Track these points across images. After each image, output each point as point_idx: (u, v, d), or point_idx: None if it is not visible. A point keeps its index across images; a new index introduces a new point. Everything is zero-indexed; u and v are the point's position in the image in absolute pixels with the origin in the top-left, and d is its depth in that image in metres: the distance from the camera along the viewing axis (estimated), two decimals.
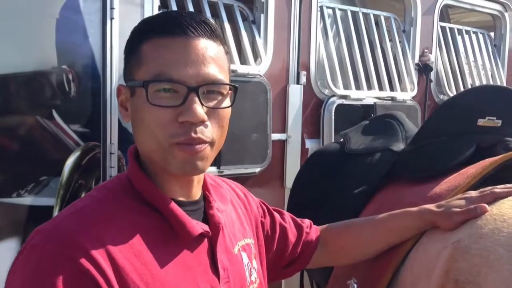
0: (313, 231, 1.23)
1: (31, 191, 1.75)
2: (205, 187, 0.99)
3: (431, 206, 1.12)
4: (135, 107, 0.88)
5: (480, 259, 0.94)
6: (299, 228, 1.21)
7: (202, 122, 0.85)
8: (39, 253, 0.75)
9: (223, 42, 0.92)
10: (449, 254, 1.00)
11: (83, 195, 1.85)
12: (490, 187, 1.09)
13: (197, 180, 0.95)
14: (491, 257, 0.92)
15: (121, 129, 1.90)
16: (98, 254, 0.76)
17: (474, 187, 1.17)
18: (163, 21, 0.87)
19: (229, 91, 0.90)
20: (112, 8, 1.85)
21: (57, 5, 1.77)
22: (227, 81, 0.89)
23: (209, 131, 0.87)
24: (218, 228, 0.93)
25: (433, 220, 1.09)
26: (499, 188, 1.07)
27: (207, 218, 0.94)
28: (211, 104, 0.87)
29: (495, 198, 1.05)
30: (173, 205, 0.88)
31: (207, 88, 0.86)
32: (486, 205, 1.02)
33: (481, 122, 1.42)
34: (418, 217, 1.12)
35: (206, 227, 0.92)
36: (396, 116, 1.83)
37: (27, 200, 1.74)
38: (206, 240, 0.92)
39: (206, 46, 0.87)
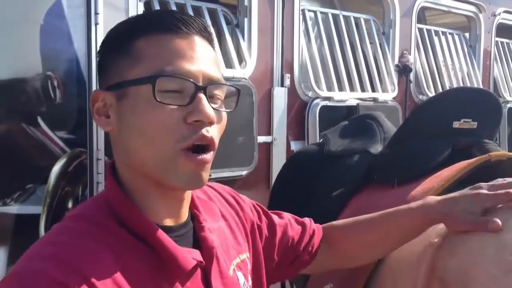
0: (316, 229, 1.16)
1: (17, 199, 1.72)
2: (192, 205, 0.90)
3: (435, 202, 1.00)
4: (127, 112, 0.79)
5: (468, 258, 0.90)
6: (301, 224, 1.14)
7: (211, 124, 0.79)
8: None
9: (215, 46, 0.88)
10: (435, 252, 0.97)
11: (70, 202, 1.84)
12: (502, 180, 0.99)
13: (187, 198, 0.87)
14: (480, 256, 0.89)
15: (108, 135, 1.88)
16: None
17: (448, 190, 1.15)
18: (164, 17, 0.81)
19: (224, 98, 0.85)
20: (96, 14, 1.84)
21: (41, 11, 1.75)
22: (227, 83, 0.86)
23: (217, 134, 0.81)
24: (211, 254, 0.85)
25: (437, 218, 0.99)
26: None
27: (198, 240, 0.86)
28: (215, 106, 0.81)
29: (510, 200, 0.93)
30: (161, 234, 0.78)
31: (212, 89, 0.80)
32: (499, 222, 0.90)
33: (456, 124, 1.42)
34: (420, 214, 1.01)
35: (198, 255, 0.83)
36: (375, 116, 1.83)
37: (13, 208, 1.71)
38: (199, 269, 0.83)
39: (207, 46, 0.83)
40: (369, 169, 1.56)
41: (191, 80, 0.77)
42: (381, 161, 1.55)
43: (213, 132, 0.79)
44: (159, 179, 0.79)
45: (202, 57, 0.80)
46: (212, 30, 0.87)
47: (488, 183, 1.01)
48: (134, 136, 0.78)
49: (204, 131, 0.77)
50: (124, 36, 0.81)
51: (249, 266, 0.99)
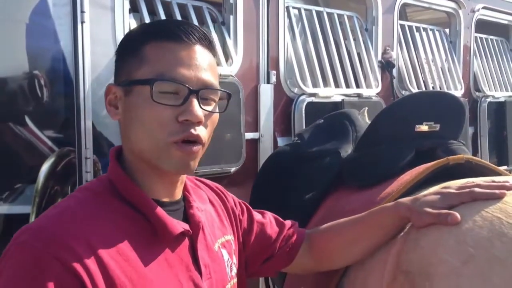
0: (296, 230, 1.23)
1: (6, 199, 1.72)
2: (185, 188, 1.03)
3: (407, 200, 1.08)
4: (131, 106, 0.92)
5: (430, 250, 0.94)
6: (280, 225, 1.23)
7: (200, 123, 0.91)
8: (26, 251, 0.78)
9: (216, 53, 1.00)
10: (400, 246, 1.01)
11: (59, 201, 1.83)
12: (472, 182, 1.06)
13: (181, 181, 1.00)
14: (440, 247, 0.93)
15: (96, 134, 1.88)
16: (84, 253, 0.80)
17: (407, 193, 1.19)
18: (169, 26, 0.93)
19: (218, 100, 0.97)
20: (82, 12, 1.84)
21: (26, 10, 1.74)
22: (220, 88, 0.96)
23: (205, 132, 0.93)
24: (198, 227, 0.98)
25: (407, 216, 1.05)
26: (481, 187, 1.02)
27: (187, 217, 0.99)
28: (208, 108, 0.93)
29: (473, 199, 0.99)
30: (155, 205, 0.92)
31: (205, 92, 0.92)
32: (458, 215, 0.96)
33: (419, 127, 1.46)
34: (394, 213, 1.09)
35: (186, 226, 0.96)
36: (349, 114, 1.83)
37: (3, 208, 1.71)
38: (187, 239, 0.96)
39: (205, 54, 0.94)
40: (339, 172, 1.59)
41: (185, 84, 0.89)
42: (348, 166, 1.58)
43: (201, 130, 0.91)
44: (155, 163, 0.91)
45: (199, 64, 0.91)
46: (212, 38, 0.98)
47: (456, 183, 1.09)
48: (135, 127, 0.91)
49: (192, 129, 0.89)
50: (135, 40, 0.94)
51: (233, 247, 1.11)
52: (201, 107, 0.91)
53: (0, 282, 0.78)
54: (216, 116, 0.97)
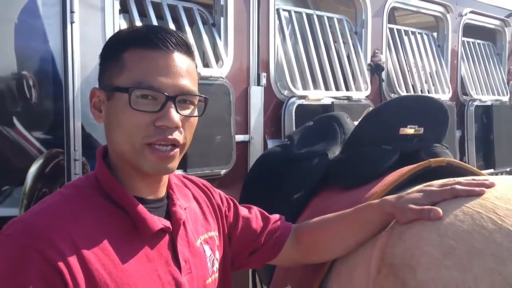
0: (282, 224, 1.26)
1: None
2: (169, 187, 1.07)
3: (392, 198, 1.11)
4: (112, 110, 0.96)
5: (413, 243, 0.98)
6: (265, 220, 1.26)
7: (177, 128, 0.95)
8: (11, 243, 0.84)
9: (195, 57, 1.02)
10: (384, 240, 1.05)
11: (46, 197, 1.81)
12: (453, 180, 1.10)
13: (163, 180, 1.04)
14: (423, 241, 0.97)
15: (85, 135, 1.86)
16: (65, 247, 0.84)
17: (391, 193, 1.21)
18: (147, 34, 0.96)
19: (198, 102, 1.01)
20: (72, 12, 1.82)
21: (15, 9, 1.72)
22: (198, 93, 1.00)
23: (182, 136, 0.97)
24: (179, 224, 1.02)
25: (392, 212, 1.09)
26: (462, 185, 1.05)
27: (169, 214, 1.03)
28: (185, 112, 0.97)
29: (454, 196, 1.03)
30: (136, 202, 0.96)
31: (182, 97, 0.96)
32: (440, 211, 1.00)
33: (403, 130, 1.49)
34: (379, 209, 1.12)
35: (167, 223, 1.00)
36: (338, 117, 1.87)
37: None
38: (167, 235, 1.00)
39: (183, 60, 0.97)
40: (326, 173, 1.61)
41: (161, 91, 0.93)
42: (335, 167, 1.60)
43: (178, 134, 0.95)
44: (135, 165, 0.95)
45: (175, 71, 0.95)
46: (190, 43, 1.00)
47: (438, 182, 1.12)
48: (115, 129, 0.95)
49: (168, 134, 0.94)
50: (116, 46, 0.97)
51: (217, 243, 1.15)
52: (178, 112, 0.94)
53: None
54: (194, 119, 1.00)
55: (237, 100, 2.34)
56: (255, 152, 2.42)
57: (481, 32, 4.04)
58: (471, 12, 3.72)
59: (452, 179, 1.14)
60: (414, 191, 1.11)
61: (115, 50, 0.97)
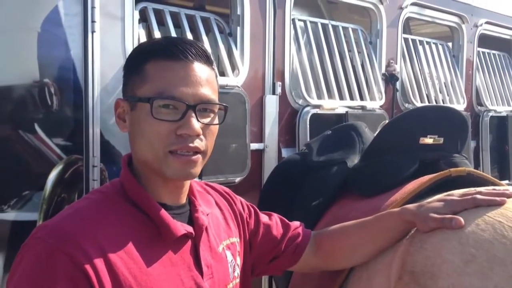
0: (302, 231, 1.28)
1: (14, 206, 1.73)
2: (191, 193, 1.10)
3: (412, 207, 1.12)
4: (136, 120, 0.99)
5: (434, 251, 0.99)
6: (286, 227, 1.28)
7: (198, 136, 0.98)
8: (40, 246, 0.87)
9: (215, 66, 1.05)
10: (404, 248, 1.06)
11: (74, 202, 1.84)
12: (474, 190, 1.12)
13: (185, 187, 1.07)
14: (444, 249, 0.98)
15: (104, 142, 1.90)
16: (91, 250, 0.88)
17: (410, 202, 1.22)
18: (167, 46, 0.99)
19: (218, 110, 1.03)
20: (93, 22, 1.86)
21: (38, 19, 1.77)
22: (217, 101, 1.03)
23: (203, 143, 1.00)
24: (201, 229, 1.05)
25: (412, 220, 1.10)
26: (483, 194, 1.07)
27: (192, 220, 1.05)
28: (205, 120, 1.00)
29: (475, 205, 1.05)
30: (159, 208, 0.99)
31: (203, 106, 0.99)
32: (462, 220, 1.01)
33: (423, 140, 1.51)
34: (399, 217, 1.13)
35: (190, 229, 1.02)
36: (356, 127, 1.89)
37: (10, 215, 1.72)
38: (190, 240, 1.03)
39: (202, 70, 1.00)
40: (345, 181, 1.63)
41: (182, 101, 0.96)
42: (355, 175, 1.62)
43: (199, 142, 0.98)
44: (159, 171, 0.98)
45: (196, 80, 0.98)
46: (209, 53, 1.03)
47: (459, 192, 1.13)
48: (139, 138, 0.99)
49: (190, 143, 0.96)
50: (138, 58, 1.01)
51: (238, 249, 1.17)
52: (198, 121, 0.97)
53: (18, 270, 0.87)
54: (215, 127, 1.03)
55: (252, 108, 2.37)
56: (270, 161, 2.44)
57: (496, 43, 4.03)
58: (487, 22, 3.72)
59: (472, 188, 1.16)
60: (435, 200, 1.12)
61: (137, 62, 1.01)
